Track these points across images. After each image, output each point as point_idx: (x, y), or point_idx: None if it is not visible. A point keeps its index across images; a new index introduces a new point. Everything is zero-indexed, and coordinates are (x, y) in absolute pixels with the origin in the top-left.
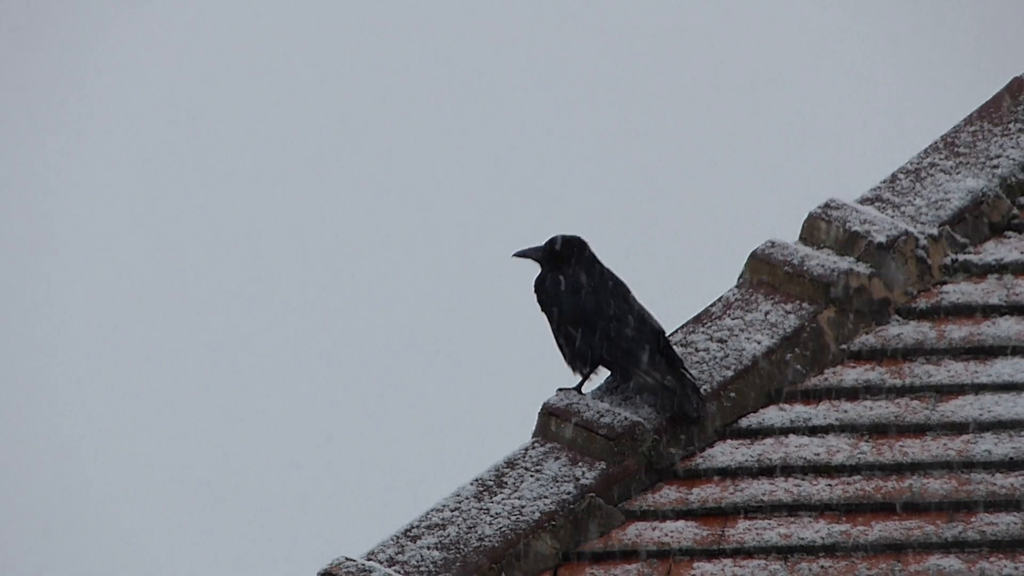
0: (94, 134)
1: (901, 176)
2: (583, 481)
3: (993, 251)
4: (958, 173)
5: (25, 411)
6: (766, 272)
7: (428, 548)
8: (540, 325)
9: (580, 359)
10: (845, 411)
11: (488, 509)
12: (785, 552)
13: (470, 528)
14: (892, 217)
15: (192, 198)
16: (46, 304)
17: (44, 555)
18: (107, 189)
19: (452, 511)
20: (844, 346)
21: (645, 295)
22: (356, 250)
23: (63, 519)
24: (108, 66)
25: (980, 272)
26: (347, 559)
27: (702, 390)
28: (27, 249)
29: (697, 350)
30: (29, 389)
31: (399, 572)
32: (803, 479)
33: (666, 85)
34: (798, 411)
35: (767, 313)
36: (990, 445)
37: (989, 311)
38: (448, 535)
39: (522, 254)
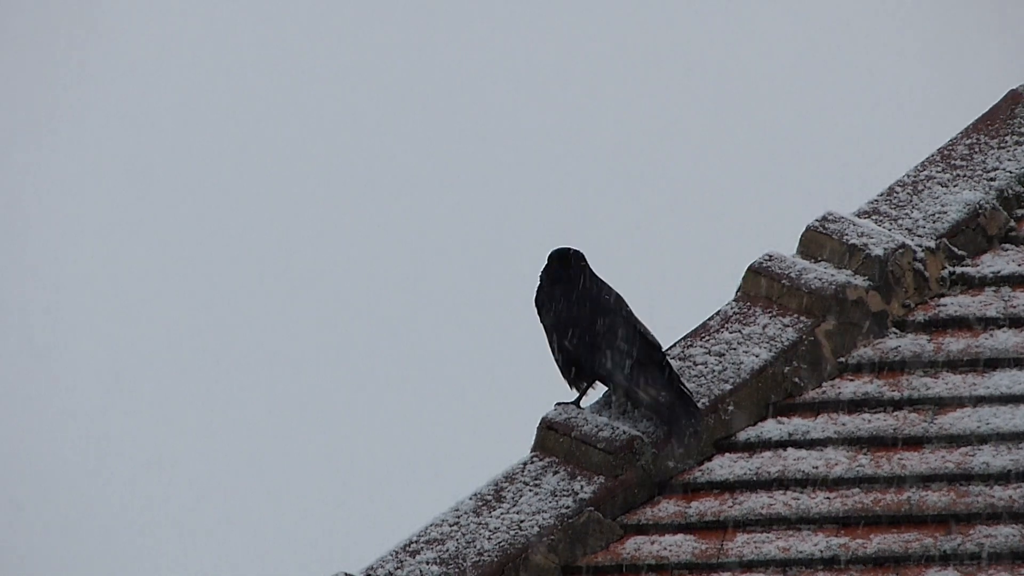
0: (93, 134)
1: (898, 189)
2: (582, 495)
3: (990, 263)
4: (955, 186)
5: (24, 412)
6: (764, 285)
7: (427, 563)
8: (539, 338)
9: (577, 373)
10: (843, 424)
11: (487, 524)
12: (784, 565)
13: (469, 543)
14: (889, 230)
15: (193, 198)
16: (46, 305)
17: (44, 555)
18: (108, 189)
19: (451, 526)
20: (842, 359)
21: (643, 309)
22: (357, 265)
23: (62, 519)
24: (110, 66)
25: (978, 284)
26: (346, 574)
27: (700, 404)
28: (27, 248)
29: (695, 364)
30: (28, 390)
31: None
32: (801, 492)
33: (665, 101)
34: (796, 424)
35: (765, 326)
36: (988, 457)
37: (987, 323)
38: (447, 550)
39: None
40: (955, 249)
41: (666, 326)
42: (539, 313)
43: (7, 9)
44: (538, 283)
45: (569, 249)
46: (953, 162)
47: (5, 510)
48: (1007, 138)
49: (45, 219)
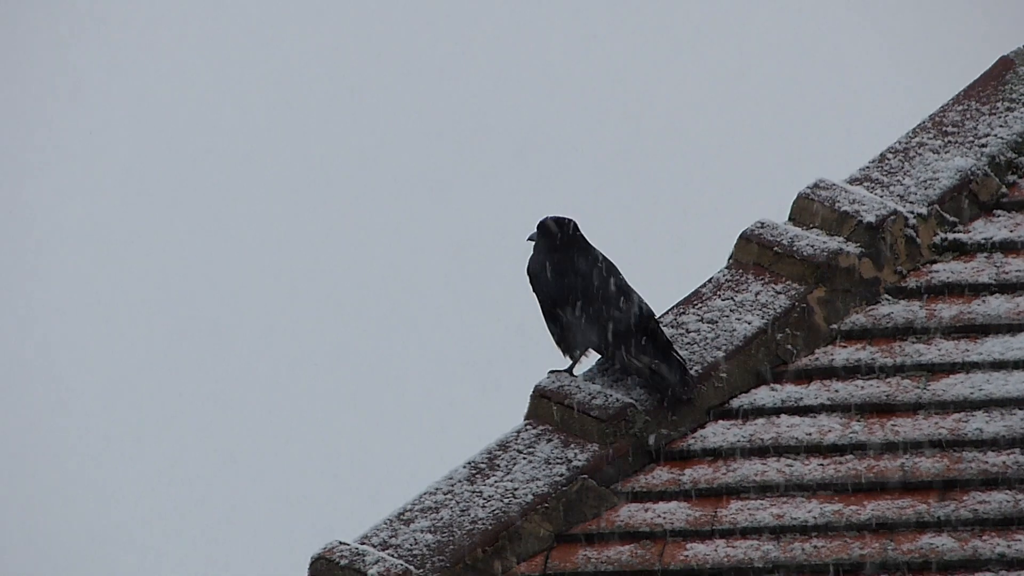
0: (90, 134)
1: (890, 156)
2: (575, 463)
3: (982, 230)
4: (947, 152)
5: (24, 412)
6: (756, 253)
7: (421, 531)
8: (532, 307)
9: (570, 341)
10: (836, 391)
11: (481, 492)
12: (778, 532)
13: (463, 511)
14: (881, 197)
15: (190, 198)
16: (45, 304)
17: (43, 555)
18: (107, 189)
19: (445, 494)
20: (835, 326)
21: (636, 276)
22: (347, 231)
23: (61, 519)
24: (108, 66)
25: (970, 251)
26: (341, 543)
27: (693, 371)
28: (26, 247)
29: (688, 331)
30: (28, 390)
31: (393, 555)
32: (795, 459)
33: (657, 67)
34: (789, 391)
35: (757, 293)
36: (981, 423)
37: (979, 289)
38: (441, 518)
39: (531, 238)
40: (947, 215)
41: (659, 293)
42: (531, 281)
43: (7, 9)
44: (531, 251)
45: (562, 217)
46: (945, 129)
47: (5, 510)
48: (998, 104)
49: (44, 220)
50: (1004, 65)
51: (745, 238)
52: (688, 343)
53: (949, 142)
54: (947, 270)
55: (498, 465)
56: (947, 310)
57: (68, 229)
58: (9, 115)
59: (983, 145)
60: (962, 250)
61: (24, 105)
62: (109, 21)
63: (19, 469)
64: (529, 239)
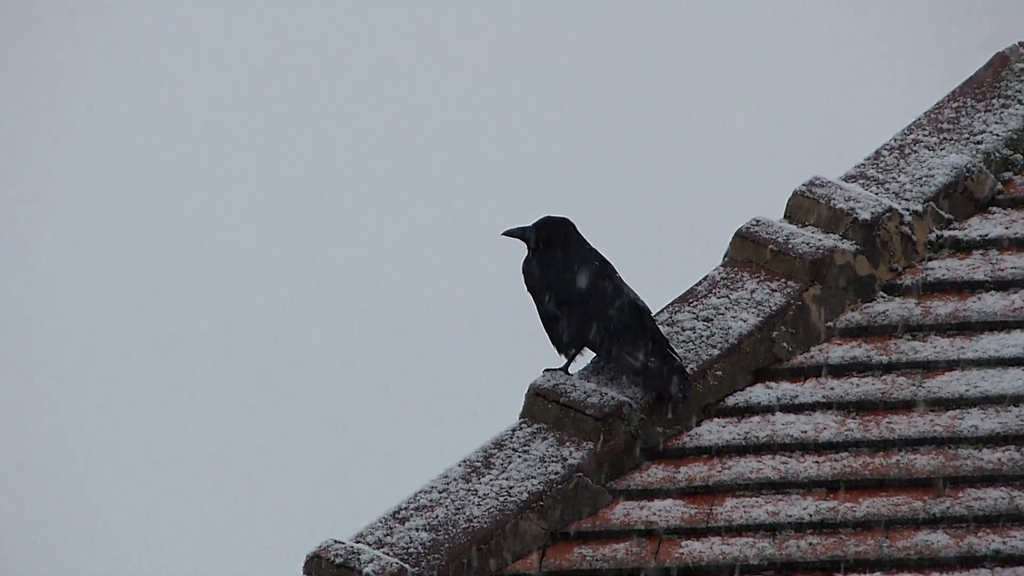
0: (87, 133)
1: (885, 153)
2: (571, 461)
3: (978, 227)
4: (942, 149)
5: (23, 412)
6: (751, 250)
7: (416, 530)
8: (527, 306)
9: (566, 340)
10: (832, 388)
11: (476, 490)
12: (773, 529)
13: (458, 509)
14: (876, 194)
15: (192, 195)
16: (44, 303)
17: (43, 555)
18: (107, 188)
19: (440, 492)
20: (830, 323)
21: (631, 274)
22: (341, 233)
23: (62, 520)
24: (107, 66)
25: (965, 248)
26: (336, 541)
27: (688, 369)
28: (26, 245)
29: (683, 329)
30: (28, 389)
31: (388, 554)
32: (790, 457)
33: (653, 64)
34: (784, 389)
35: (753, 291)
36: (977, 420)
37: (975, 287)
38: (436, 516)
39: (510, 233)
40: (942, 213)
41: (654, 291)
42: (526, 280)
43: (7, 8)
44: (526, 250)
45: (557, 216)
46: (940, 125)
47: (4, 511)
48: (994, 101)
49: (44, 219)
50: (1000, 62)
51: (740, 236)
52: (683, 341)
53: (945, 139)
54: (943, 267)
55: (493, 463)
56: (942, 307)
57: (67, 229)
58: (10, 115)
59: (979, 142)
60: (958, 247)
61: (24, 105)
62: (109, 21)
63: (18, 470)
64: (505, 233)
